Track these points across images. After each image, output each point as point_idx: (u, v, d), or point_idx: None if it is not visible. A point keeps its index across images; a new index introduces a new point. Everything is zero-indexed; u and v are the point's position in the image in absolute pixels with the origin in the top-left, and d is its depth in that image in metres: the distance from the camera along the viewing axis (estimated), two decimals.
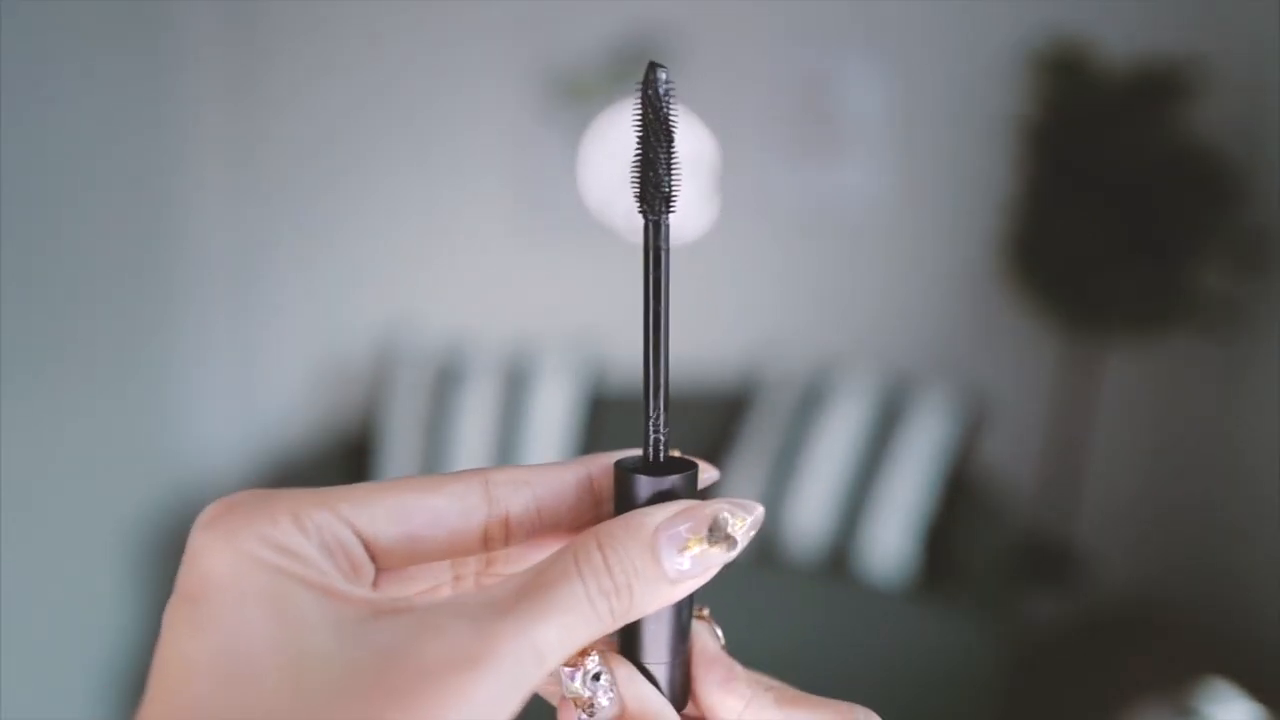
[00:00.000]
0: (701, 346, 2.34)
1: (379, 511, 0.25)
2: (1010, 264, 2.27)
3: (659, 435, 0.28)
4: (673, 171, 0.27)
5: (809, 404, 2.08)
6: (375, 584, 0.26)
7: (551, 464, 0.29)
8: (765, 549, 2.03)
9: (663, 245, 0.28)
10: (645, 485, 0.27)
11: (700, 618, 0.30)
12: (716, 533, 0.26)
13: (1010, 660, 1.86)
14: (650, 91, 0.26)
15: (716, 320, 2.36)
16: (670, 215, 0.27)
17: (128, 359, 1.95)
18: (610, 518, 0.27)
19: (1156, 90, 2.06)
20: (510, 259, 2.38)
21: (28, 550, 1.56)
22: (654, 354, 0.29)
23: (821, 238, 2.39)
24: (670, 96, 0.26)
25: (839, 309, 2.42)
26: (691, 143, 2.28)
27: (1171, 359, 2.36)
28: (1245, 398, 2.24)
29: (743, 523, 0.26)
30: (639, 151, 0.27)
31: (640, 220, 0.27)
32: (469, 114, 2.31)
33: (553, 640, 0.22)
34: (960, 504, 2.04)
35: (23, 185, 1.53)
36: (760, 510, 0.27)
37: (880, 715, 0.32)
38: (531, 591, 0.23)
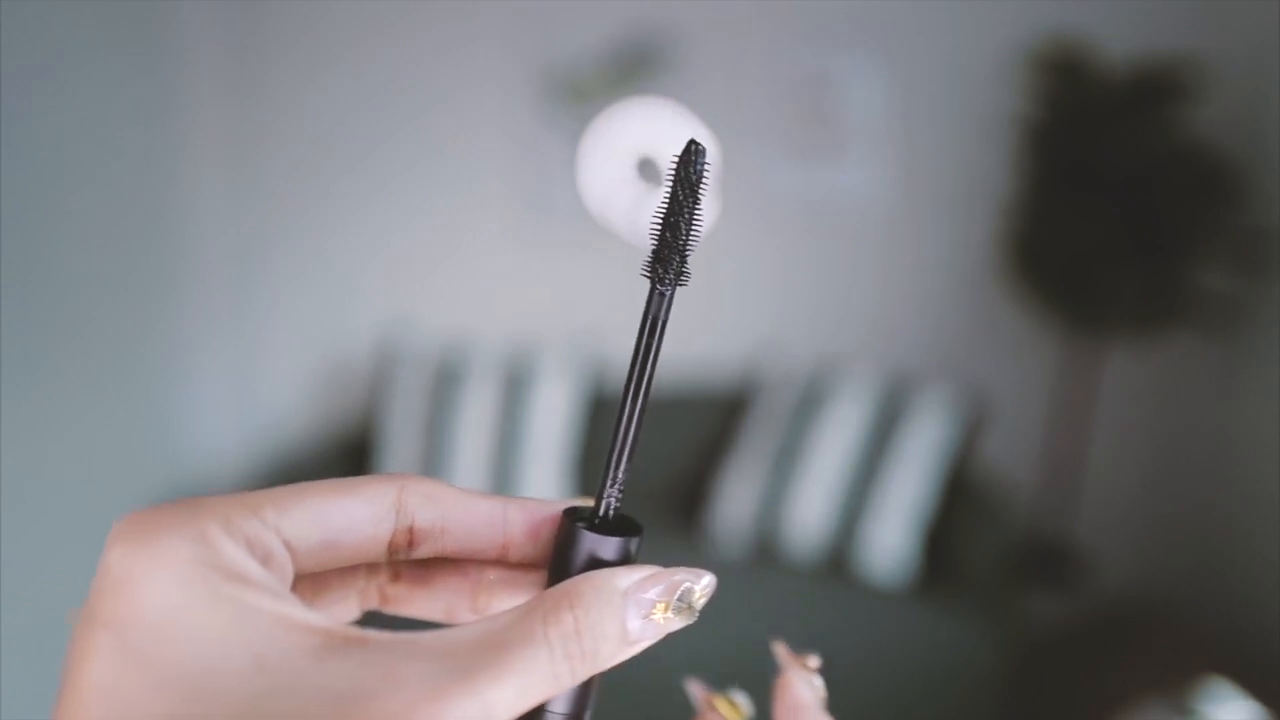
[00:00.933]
0: (701, 346, 2.34)
1: (300, 515, 0.24)
2: (1010, 264, 2.27)
3: (614, 495, 0.28)
4: (689, 247, 0.27)
5: (809, 404, 2.08)
6: (293, 588, 0.25)
7: (471, 490, 0.28)
8: (765, 549, 2.03)
9: (662, 316, 0.28)
10: (608, 545, 0.27)
11: (804, 667, 0.31)
12: (682, 601, 0.26)
13: (1010, 660, 1.86)
14: (687, 170, 0.27)
15: (716, 320, 2.36)
16: (678, 289, 0.28)
17: (127, 359, 1.95)
18: (540, 563, 0.28)
19: (1156, 90, 2.06)
20: (510, 259, 2.38)
21: (28, 550, 1.56)
22: (629, 417, 0.29)
23: (821, 237, 2.39)
24: (706, 176, 0.27)
25: (839, 309, 2.42)
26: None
27: (1171, 359, 2.36)
28: (1245, 397, 2.24)
29: (702, 593, 0.27)
30: (661, 221, 0.27)
31: (648, 282, 0.28)
32: (469, 114, 2.31)
33: (506, 702, 0.22)
34: (960, 504, 2.04)
35: (22, 186, 1.53)
36: (711, 579, 0.27)
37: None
38: (493, 650, 0.22)
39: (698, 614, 0.27)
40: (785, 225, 2.37)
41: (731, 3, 2.28)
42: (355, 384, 2.36)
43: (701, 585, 0.27)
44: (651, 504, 2.23)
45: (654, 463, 2.28)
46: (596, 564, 0.27)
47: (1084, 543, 2.38)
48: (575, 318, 2.30)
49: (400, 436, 2.09)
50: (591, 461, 2.17)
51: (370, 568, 0.29)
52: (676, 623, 0.26)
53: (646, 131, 2.29)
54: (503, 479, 2.03)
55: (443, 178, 2.33)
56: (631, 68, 2.27)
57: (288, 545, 0.24)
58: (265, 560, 0.23)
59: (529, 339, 2.24)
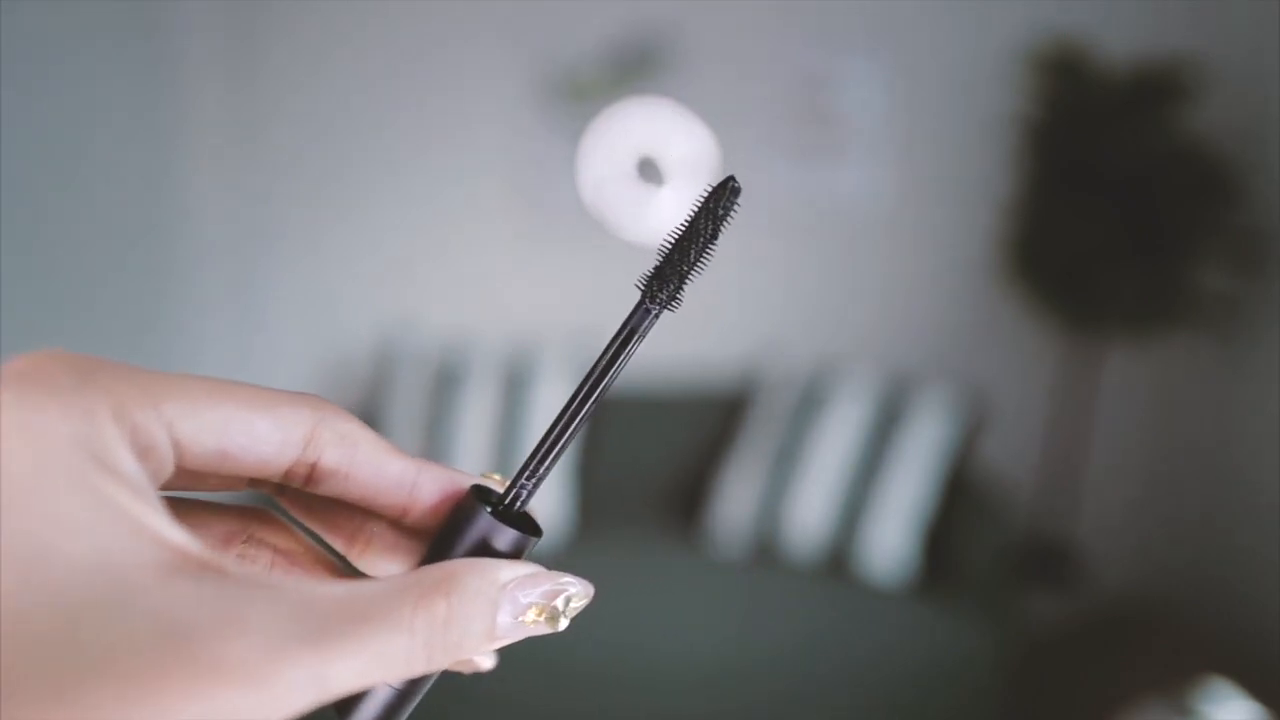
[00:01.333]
0: (701, 346, 2.34)
1: (202, 420, 0.23)
2: (1010, 264, 2.27)
3: (528, 488, 0.27)
4: (691, 276, 0.27)
5: (809, 404, 2.08)
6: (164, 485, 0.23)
7: (389, 445, 0.27)
8: (765, 549, 2.03)
9: (641, 332, 0.28)
10: (503, 535, 0.26)
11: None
12: (557, 608, 0.25)
13: (1010, 660, 1.86)
14: (717, 204, 0.27)
15: (716, 320, 2.36)
16: (665, 313, 0.28)
17: (125, 358, 1.95)
18: (431, 534, 0.26)
19: (1156, 90, 2.06)
20: (510, 259, 2.38)
21: None
22: (572, 418, 0.27)
23: (822, 237, 2.39)
24: (732, 216, 0.27)
25: (839, 309, 2.42)
26: (692, 142, 2.28)
27: (1171, 359, 2.36)
28: (1245, 397, 2.24)
29: (580, 603, 0.26)
30: (674, 242, 0.27)
31: (639, 297, 0.28)
32: (469, 114, 2.31)
33: (347, 677, 0.20)
34: (960, 504, 2.04)
35: (21, 184, 1.53)
36: (589, 593, 0.26)
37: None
38: (353, 619, 0.20)
39: (564, 627, 0.25)
40: (785, 225, 2.37)
41: (732, 3, 2.28)
42: (355, 384, 2.36)
43: (579, 596, 0.26)
44: (651, 504, 2.23)
45: (654, 463, 2.28)
46: (484, 551, 0.25)
47: (1084, 543, 2.38)
48: (575, 318, 2.30)
49: (400, 436, 2.09)
50: (592, 462, 2.17)
51: (246, 518, 0.27)
52: (542, 629, 0.25)
53: (646, 131, 2.29)
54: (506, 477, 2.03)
55: (443, 178, 2.33)
56: (631, 68, 2.27)
57: (177, 444, 0.22)
58: (144, 454, 0.21)
59: (529, 339, 2.24)
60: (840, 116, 2.33)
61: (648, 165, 2.30)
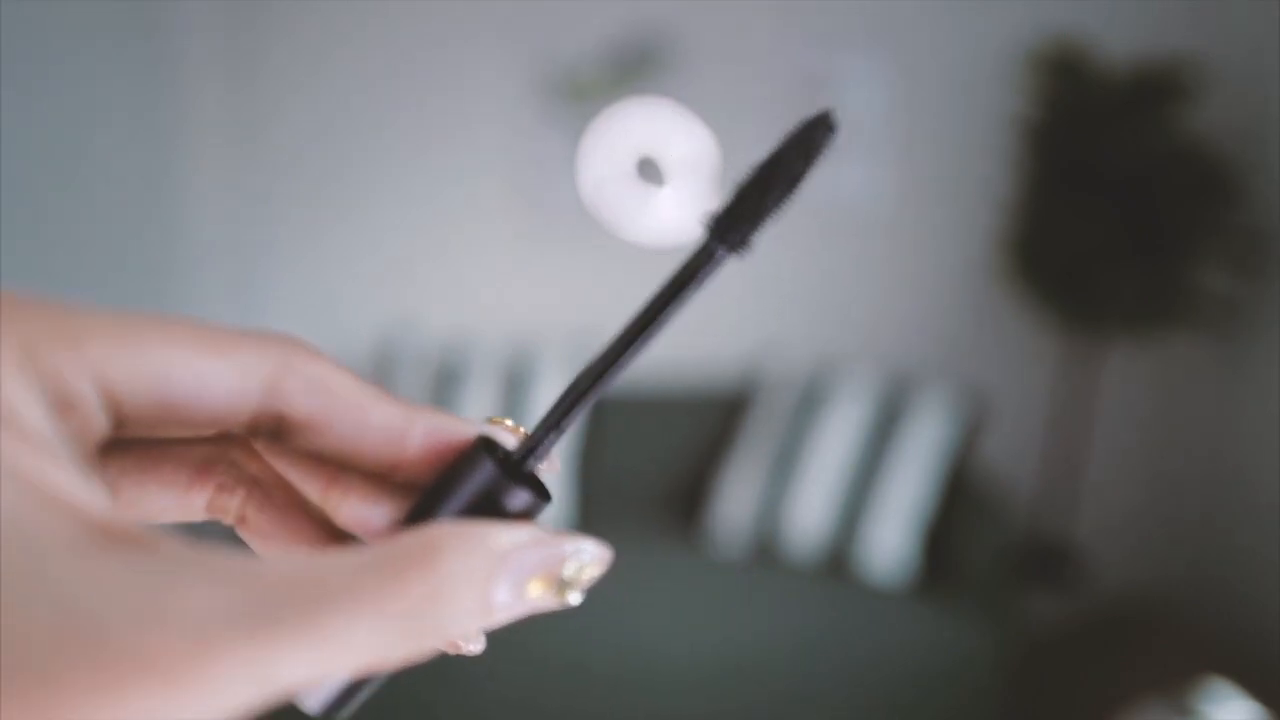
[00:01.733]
0: (701, 346, 2.34)
1: (137, 364, 0.19)
2: (1010, 264, 2.27)
3: (549, 441, 0.23)
4: (770, 219, 0.23)
5: (809, 404, 2.08)
6: (99, 454, 0.20)
7: (372, 387, 0.23)
8: (765, 549, 2.03)
9: (701, 278, 0.23)
10: (510, 493, 0.22)
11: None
12: (568, 579, 0.21)
13: (1010, 660, 1.86)
14: (813, 139, 0.23)
15: (717, 320, 2.36)
16: (733, 258, 0.23)
17: None
18: (419, 488, 0.23)
19: (1156, 90, 2.06)
20: (510, 259, 2.38)
21: None
22: (608, 367, 0.24)
23: (822, 237, 2.39)
24: (826, 154, 0.23)
25: (839, 309, 2.42)
26: (693, 143, 2.28)
27: (1171, 359, 2.36)
28: (1244, 397, 2.24)
29: (594, 571, 0.22)
30: (754, 178, 0.23)
31: (701, 234, 0.23)
32: (469, 114, 2.31)
33: (299, 672, 0.16)
34: (960, 504, 2.04)
35: (20, 185, 1.53)
36: (606, 557, 0.22)
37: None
38: (309, 600, 0.17)
39: (579, 601, 0.21)
40: (786, 225, 2.36)
41: (732, 2, 2.28)
42: None
43: (593, 562, 0.21)
44: (652, 504, 2.23)
45: (654, 463, 2.28)
46: (483, 511, 0.22)
47: (1084, 543, 2.38)
48: (575, 318, 2.30)
49: None
50: (592, 462, 2.17)
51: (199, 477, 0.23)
52: (549, 603, 0.21)
53: (646, 131, 2.29)
54: None
55: (443, 178, 2.33)
56: (631, 68, 2.27)
57: (109, 395, 0.19)
58: (64, 409, 0.18)
59: (529, 339, 2.24)
60: (841, 117, 2.32)
61: (648, 165, 2.30)
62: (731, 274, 2.01)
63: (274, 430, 0.22)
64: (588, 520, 2.09)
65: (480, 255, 2.37)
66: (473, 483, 0.22)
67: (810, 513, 2.00)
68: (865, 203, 2.37)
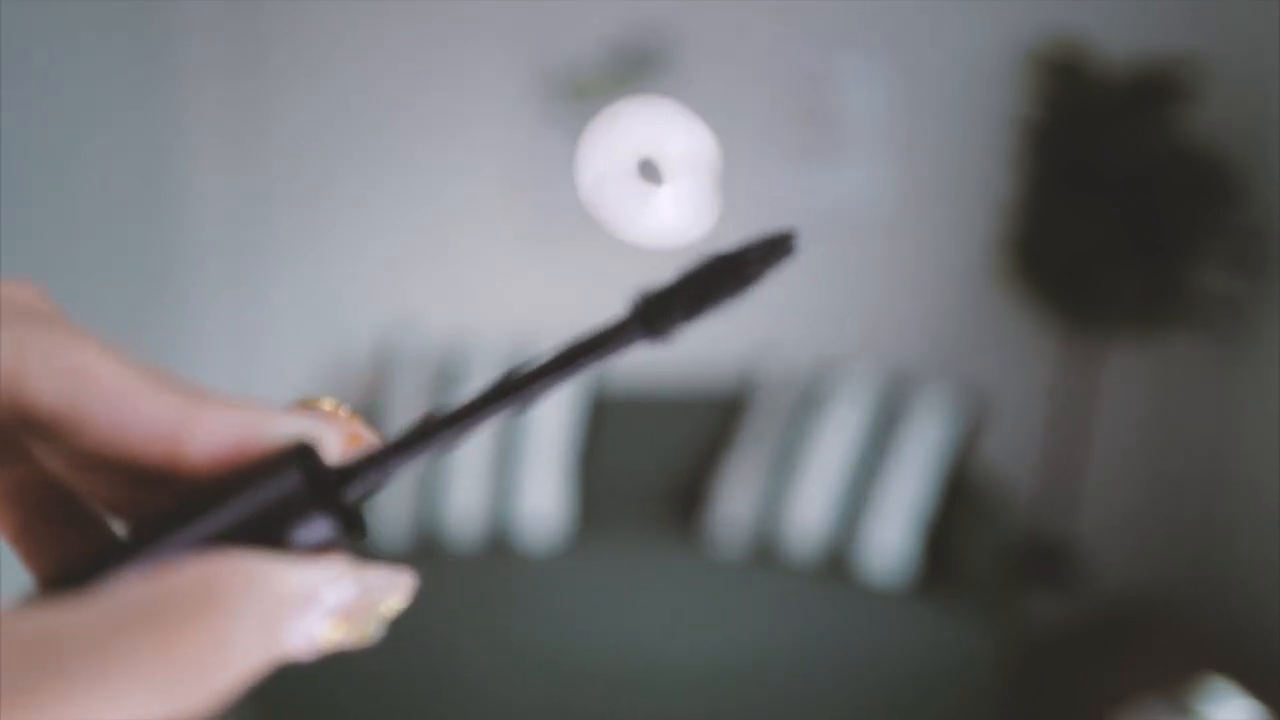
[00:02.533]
0: (701, 346, 2.34)
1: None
2: (1010, 264, 2.27)
3: (391, 468, 0.20)
4: (703, 317, 0.22)
5: (809, 404, 2.08)
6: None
7: (141, 371, 0.19)
8: (765, 549, 2.03)
9: (613, 353, 0.22)
10: (322, 523, 0.18)
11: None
12: (371, 618, 0.18)
13: (1010, 660, 1.86)
14: (769, 255, 0.23)
15: (716, 320, 2.35)
16: (648, 343, 0.22)
17: None
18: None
19: (1156, 90, 2.06)
20: (510, 259, 2.38)
21: None
22: (479, 413, 0.21)
23: (821, 238, 2.39)
24: (774, 272, 0.23)
25: (839, 309, 2.42)
26: (692, 141, 2.28)
27: (1171, 359, 2.36)
28: (1245, 397, 2.24)
29: (396, 608, 0.19)
30: (700, 278, 0.22)
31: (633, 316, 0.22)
32: (469, 114, 2.31)
33: None
34: (960, 504, 2.04)
35: (19, 184, 1.53)
36: (408, 589, 0.19)
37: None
38: (35, 672, 0.13)
39: (380, 633, 0.19)
40: (785, 225, 2.37)
41: (732, 2, 2.28)
42: (354, 385, 2.36)
43: (398, 599, 0.19)
44: (651, 504, 2.23)
45: (654, 463, 2.28)
46: (274, 537, 0.18)
47: (1084, 543, 2.38)
48: (575, 318, 2.29)
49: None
50: (592, 463, 2.17)
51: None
52: (351, 639, 0.18)
53: (646, 131, 2.29)
54: (503, 481, 2.03)
55: (443, 178, 2.33)
56: (631, 68, 2.27)
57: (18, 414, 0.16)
58: None
59: (529, 339, 2.24)
60: (840, 116, 2.33)
61: (648, 165, 2.30)
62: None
63: (20, 427, 0.18)
64: (588, 521, 2.09)
65: (480, 255, 2.37)
66: (271, 500, 0.18)
67: (810, 513, 2.00)
68: (865, 203, 2.37)
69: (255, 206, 2.30)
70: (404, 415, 2.10)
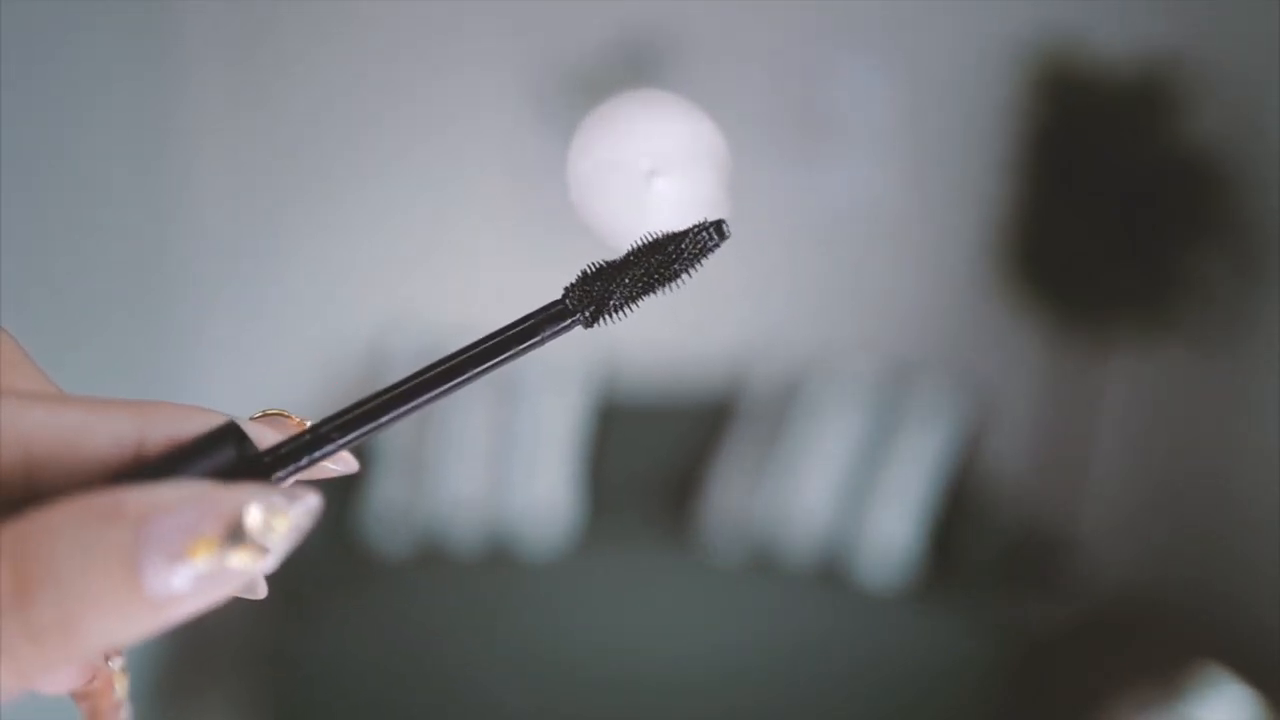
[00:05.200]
0: (700, 346, 2.33)
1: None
2: (1010, 264, 2.27)
3: (334, 444, 0.19)
4: (634, 303, 0.23)
5: (807, 404, 2.08)
6: None
7: (80, 404, 0.18)
8: (763, 551, 2.02)
9: (543, 339, 0.22)
10: (210, 457, 0.17)
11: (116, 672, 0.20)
12: (238, 535, 0.16)
13: (1010, 661, 1.86)
14: (701, 241, 0.23)
15: (716, 320, 2.35)
16: (578, 326, 0.22)
17: (122, 360, 1.94)
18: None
19: (1156, 92, 2.06)
20: (509, 256, 2.37)
21: None
22: (407, 400, 0.21)
23: (821, 236, 2.39)
24: (705, 259, 0.23)
25: (839, 309, 2.42)
26: (699, 140, 2.28)
27: (1171, 359, 2.35)
28: (1244, 398, 2.24)
29: (284, 521, 0.16)
30: (634, 258, 0.22)
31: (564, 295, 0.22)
32: (468, 109, 2.31)
33: None
34: (960, 504, 2.04)
35: (16, 176, 1.52)
36: (314, 500, 0.17)
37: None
38: None
39: (277, 553, 0.16)
40: (785, 224, 2.37)
41: (732, 2, 2.28)
42: (352, 386, 2.36)
43: (287, 511, 0.16)
44: (650, 508, 2.22)
45: (652, 466, 2.28)
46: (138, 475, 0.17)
47: (1084, 543, 2.38)
48: None
49: (395, 437, 2.09)
50: (596, 463, 2.16)
51: None
52: (238, 568, 0.16)
53: (646, 128, 2.29)
54: (503, 481, 2.03)
55: (441, 174, 2.32)
56: (632, 66, 2.26)
57: None
58: None
59: None
60: (839, 116, 2.32)
61: (647, 162, 2.30)
62: (731, 274, 2.01)
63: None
64: (586, 523, 2.09)
65: (478, 252, 2.37)
66: (194, 466, 0.17)
67: (809, 514, 1.99)
68: (865, 202, 2.36)
69: (252, 203, 2.30)
70: None
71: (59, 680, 0.16)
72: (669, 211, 2.30)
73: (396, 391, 0.21)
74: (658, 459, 2.27)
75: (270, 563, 0.16)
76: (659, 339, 2.28)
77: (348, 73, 2.27)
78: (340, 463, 0.21)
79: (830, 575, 1.95)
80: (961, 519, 2.02)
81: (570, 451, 2.11)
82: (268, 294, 2.34)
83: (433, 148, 2.31)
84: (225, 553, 0.15)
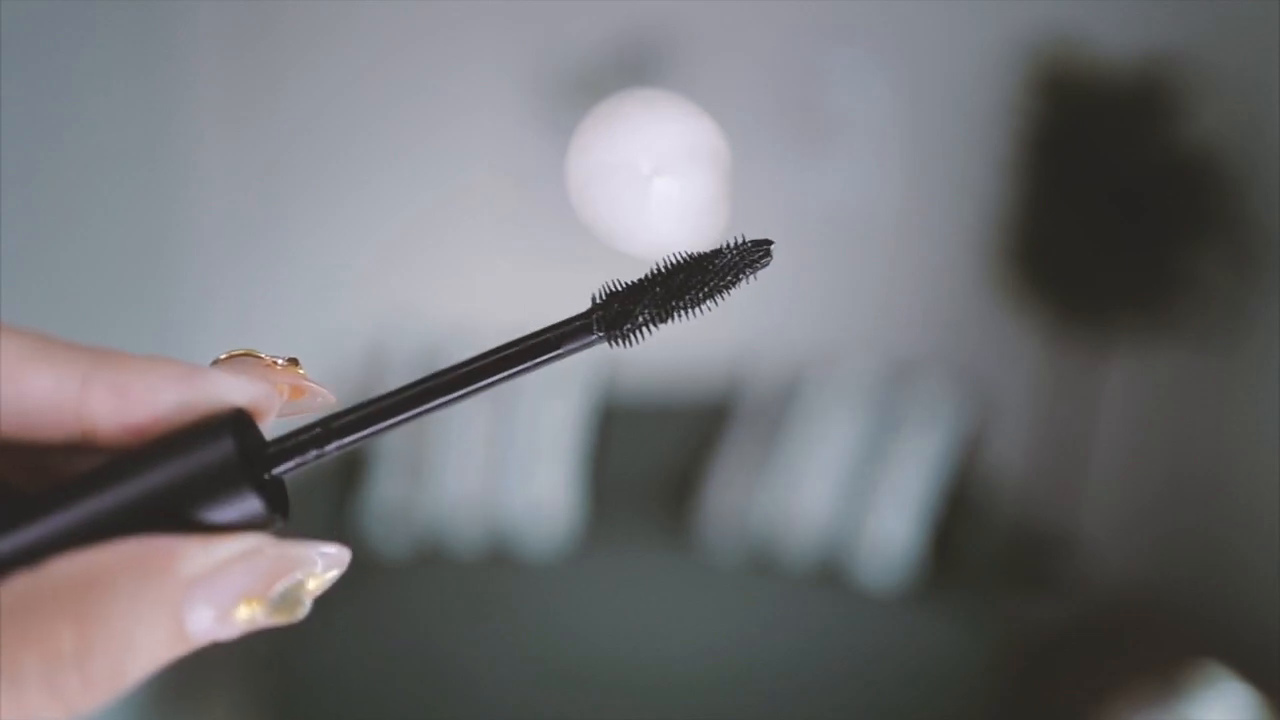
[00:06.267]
0: (699, 347, 2.33)
1: None
2: (1010, 264, 2.27)
3: (334, 449, 0.18)
4: (666, 321, 0.21)
5: (808, 404, 2.08)
6: None
7: (31, 339, 0.17)
8: (762, 551, 2.02)
9: (565, 353, 0.20)
10: (244, 500, 0.17)
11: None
12: (287, 598, 0.17)
13: (1009, 661, 1.86)
14: (744, 260, 0.20)
15: (715, 320, 2.34)
16: (606, 343, 0.21)
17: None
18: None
19: (1156, 92, 2.06)
20: (508, 255, 2.37)
21: None
22: (421, 402, 0.20)
23: (821, 236, 2.39)
24: (744, 281, 0.20)
25: (839, 309, 2.42)
26: (700, 139, 2.28)
27: (1171, 359, 2.35)
28: (1244, 398, 2.24)
29: (319, 582, 0.17)
30: (669, 274, 0.20)
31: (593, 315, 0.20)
32: (468, 107, 2.31)
33: None
34: (960, 504, 2.04)
35: (12, 168, 1.52)
36: (339, 561, 0.18)
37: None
38: None
39: (306, 610, 0.18)
40: (785, 223, 2.36)
41: (732, 2, 2.28)
42: (350, 385, 2.36)
43: (319, 575, 0.17)
44: (649, 508, 2.23)
45: (652, 467, 2.28)
46: (184, 515, 0.16)
47: (1084, 543, 2.38)
48: (573, 316, 2.29)
49: (394, 436, 2.09)
50: (596, 463, 2.16)
51: None
52: (272, 620, 0.17)
53: (645, 127, 2.29)
54: (503, 481, 2.03)
55: (440, 172, 2.32)
56: (632, 65, 2.26)
57: None
58: None
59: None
60: (840, 116, 2.32)
61: (647, 162, 2.30)
62: None
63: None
64: (586, 524, 2.09)
65: (477, 250, 2.37)
66: (195, 471, 0.16)
67: (808, 514, 1.99)
68: (865, 201, 2.36)
69: (251, 199, 2.30)
70: None
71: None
72: (669, 211, 2.30)
73: (409, 394, 0.20)
74: (658, 459, 2.27)
75: (302, 615, 0.17)
76: (659, 339, 2.28)
77: (347, 72, 2.27)
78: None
79: (830, 575, 1.95)
80: (961, 519, 2.02)
81: (570, 451, 2.11)
82: (267, 293, 2.34)
83: (432, 147, 2.31)
84: (268, 611, 0.17)
